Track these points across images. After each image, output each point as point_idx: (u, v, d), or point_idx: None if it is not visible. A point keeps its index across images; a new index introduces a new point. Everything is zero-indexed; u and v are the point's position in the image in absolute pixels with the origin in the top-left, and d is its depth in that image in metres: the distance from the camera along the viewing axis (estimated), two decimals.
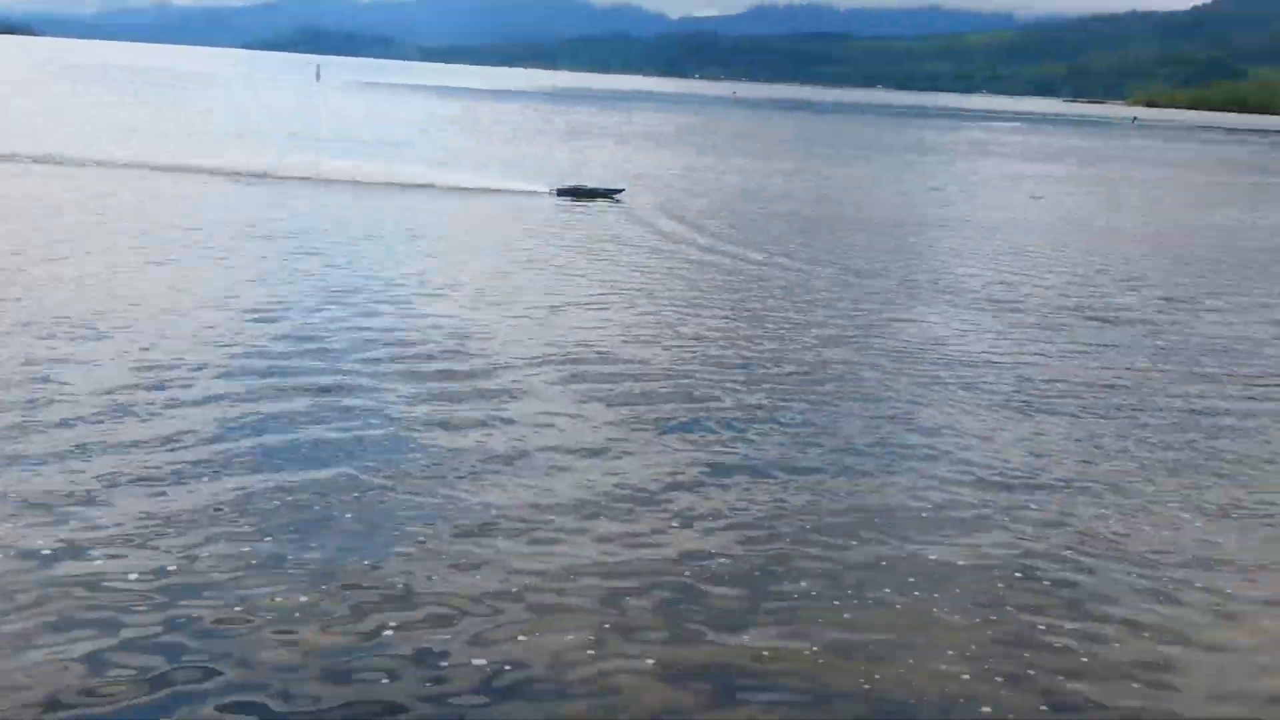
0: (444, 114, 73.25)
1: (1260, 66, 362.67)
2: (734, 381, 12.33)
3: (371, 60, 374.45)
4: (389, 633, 6.49)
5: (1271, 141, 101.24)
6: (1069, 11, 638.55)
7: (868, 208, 32.24)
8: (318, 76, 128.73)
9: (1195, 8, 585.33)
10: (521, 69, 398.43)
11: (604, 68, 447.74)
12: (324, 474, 8.81)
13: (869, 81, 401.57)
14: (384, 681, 6.01)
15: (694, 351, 13.63)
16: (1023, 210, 34.16)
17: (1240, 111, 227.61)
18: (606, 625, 6.74)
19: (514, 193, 29.56)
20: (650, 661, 6.38)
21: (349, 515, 8.10)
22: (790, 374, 12.82)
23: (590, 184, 31.08)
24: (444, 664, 6.21)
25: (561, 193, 29.74)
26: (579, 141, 53.49)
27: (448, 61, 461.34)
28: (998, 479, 9.73)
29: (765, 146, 59.11)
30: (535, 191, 29.82)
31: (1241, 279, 23.00)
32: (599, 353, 13.18)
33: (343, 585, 7.02)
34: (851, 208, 31.87)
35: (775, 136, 72.40)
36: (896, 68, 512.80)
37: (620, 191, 30.29)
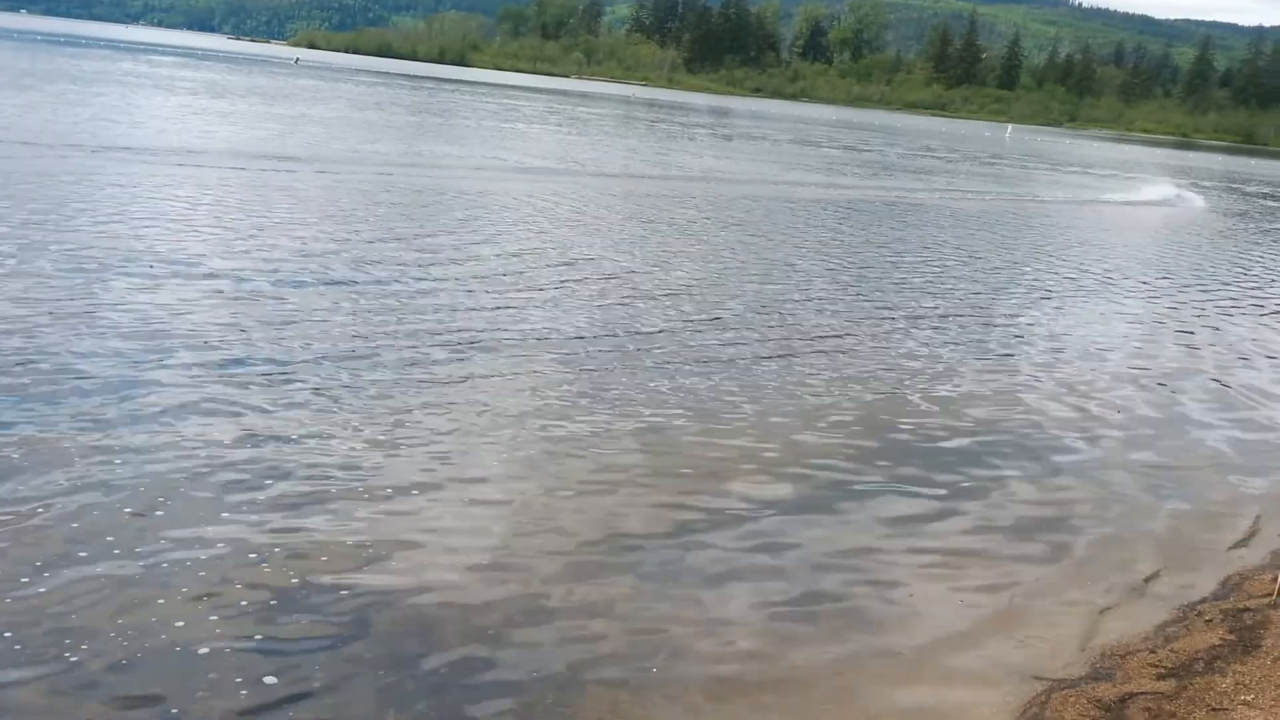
0: None
1: (400, 15, 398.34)
2: None
3: None
4: None
5: (415, 85, 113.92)
6: None
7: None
8: None
9: None
10: None
11: None
12: None
13: (12, 6, 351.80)
14: None
15: None
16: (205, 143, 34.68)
17: (388, 57, 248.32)
18: None
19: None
20: None
21: None
22: None
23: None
24: None
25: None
26: None
27: None
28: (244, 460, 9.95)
29: None
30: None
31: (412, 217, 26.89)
32: None
33: None
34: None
35: None
36: None
37: None
